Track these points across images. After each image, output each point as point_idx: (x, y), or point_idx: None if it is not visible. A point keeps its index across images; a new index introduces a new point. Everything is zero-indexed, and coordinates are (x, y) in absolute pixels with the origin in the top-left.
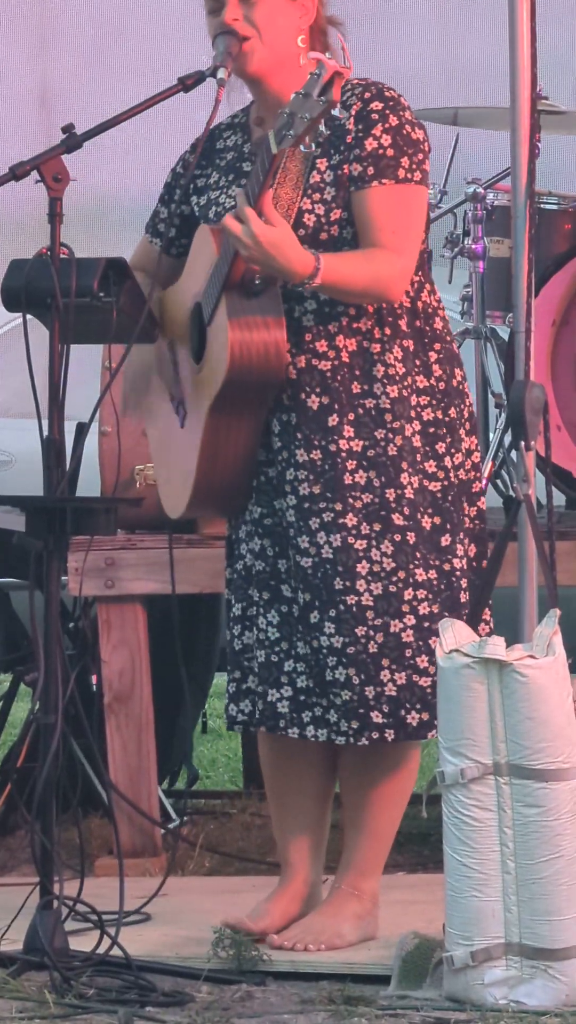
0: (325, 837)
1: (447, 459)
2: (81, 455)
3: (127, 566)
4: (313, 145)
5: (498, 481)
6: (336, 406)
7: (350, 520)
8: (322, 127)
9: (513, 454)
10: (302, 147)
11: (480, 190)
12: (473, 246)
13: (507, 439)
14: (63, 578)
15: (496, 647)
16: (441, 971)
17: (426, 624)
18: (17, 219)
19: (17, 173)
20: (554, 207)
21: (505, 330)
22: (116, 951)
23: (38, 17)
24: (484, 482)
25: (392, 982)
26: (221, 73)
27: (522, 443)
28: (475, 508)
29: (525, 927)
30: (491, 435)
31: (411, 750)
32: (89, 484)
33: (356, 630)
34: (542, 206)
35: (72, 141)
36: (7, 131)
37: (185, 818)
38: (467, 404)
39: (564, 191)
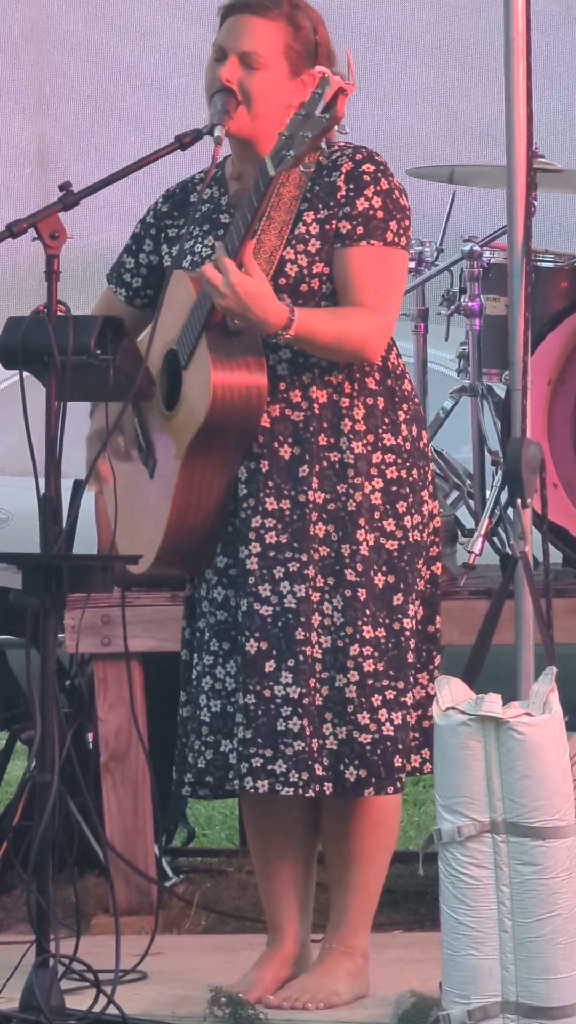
0: (311, 896)
1: (407, 518)
2: (78, 512)
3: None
4: (312, 166)
5: (495, 538)
6: (307, 457)
7: (311, 572)
8: (323, 145)
9: (510, 512)
10: (302, 167)
11: (476, 248)
12: (470, 304)
13: (503, 497)
14: (59, 636)
15: (493, 704)
16: None
17: (370, 681)
18: (14, 277)
19: (14, 231)
20: (550, 265)
21: (502, 388)
22: (112, 1010)
23: (35, 76)
24: (480, 543)
25: None
26: (218, 131)
27: (519, 500)
28: (430, 571)
29: (522, 985)
30: (487, 492)
31: (390, 805)
32: (86, 541)
33: (309, 681)
34: (538, 264)
35: (69, 199)
36: (4, 189)
37: (181, 876)
38: (430, 468)
39: (560, 249)
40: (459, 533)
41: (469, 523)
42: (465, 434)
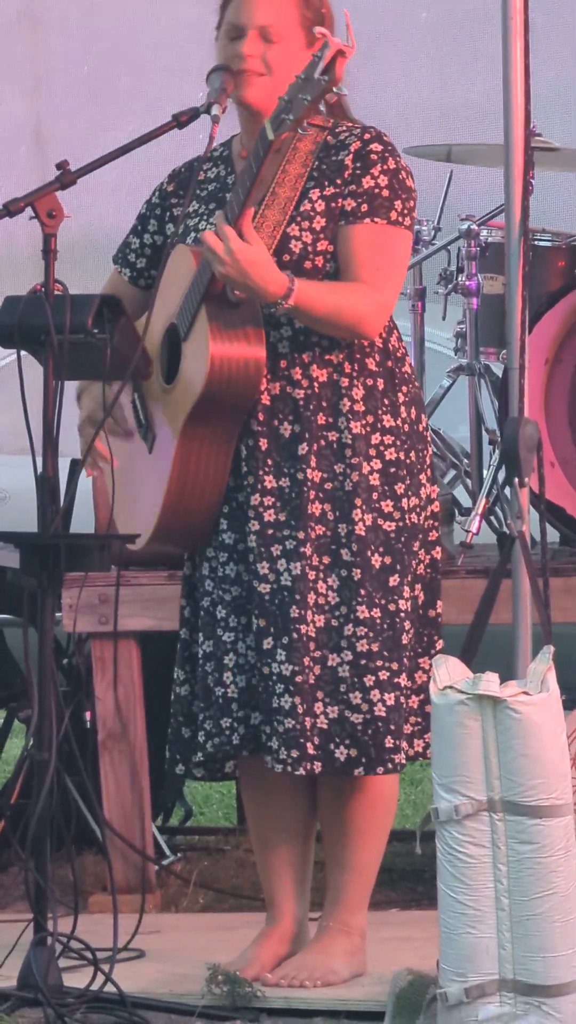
0: (309, 874)
1: (404, 500)
2: (75, 492)
3: (121, 602)
4: (311, 130)
5: (492, 518)
6: (306, 435)
7: (307, 550)
8: (322, 107)
9: (507, 491)
10: (300, 130)
11: (474, 227)
12: (467, 283)
13: (501, 476)
14: (57, 615)
15: (490, 683)
16: (435, 1007)
17: (363, 661)
18: (11, 256)
19: (11, 209)
20: (548, 244)
21: (499, 367)
22: (110, 987)
23: (32, 54)
24: (477, 522)
25: (386, 1018)
26: (215, 109)
27: (516, 480)
28: (429, 556)
29: (519, 963)
30: (485, 472)
31: (387, 783)
32: (83, 521)
33: (303, 659)
34: (536, 243)
35: (66, 178)
36: (2, 171)
37: (179, 854)
38: (428, 451)
39: (558, 228)
40: (456, 512)
41: (466, 502)
42: (462, 413)
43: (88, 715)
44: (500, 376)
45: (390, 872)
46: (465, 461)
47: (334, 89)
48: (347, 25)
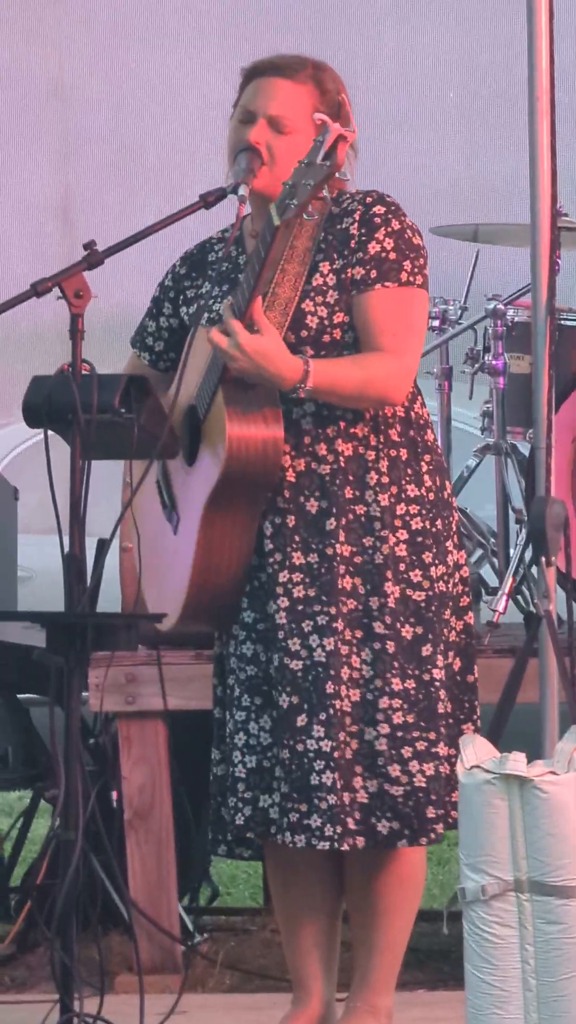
0: (336, 955)
1: (432, 569)
2: (102, 571)
3: (148, 682)
4: (316, 215)
5: (519, 597)
6: (333, 510)
7: (340, 625)
8: (325, 193)
9: (534, 570)
10: (304, 215)
11: (500, 306)
12: (494, 362)
13: (528, 555)
14: (83, 694)
15: (517, 763)
16: None
17: (399, 733)
18: (39, 335)
19: (39, 289)
20: (574, 324)
21: (526, 446)
22: None
23: (60, 131)
24: (504, 601)
25: None
26: (242, 190)
27: (543, 559)
28: (462, 622)
29: None
30: (511, 550)
31: (415, 862)
32: (110, 600)
33: (340, 735)
34: (562, 322)
35: (94, 258)
36: (29, 247)
37: (205, 935)
38: (454, 517)
39: None
40: (483, 591)
41: (493, 581)
42: (489, 492)
43: (115, 795)
44: (527, 455)
45: (417, 952)
46: (492, 540)
47: (336, 174)
48: (347, 110)
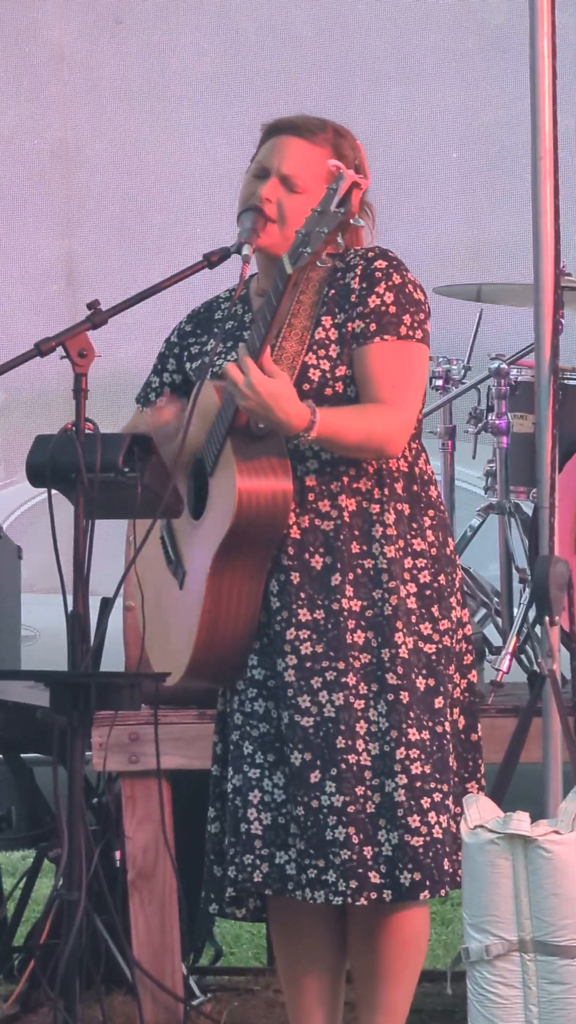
0: (340, 1014)
1: (439, 623)
2: (105, 630)
3: (151, 741)
4: (329, 261)
5: (522, 656)
6: (338, 565)
7: (351, 679)
8: (340, 239)
9: (537, 629)
10: (318, 263)
11: (504, 366)
12: (497, 421)
13: (531, 614)
14: (87, 753)
15: (521, 823)
16: None
17: (418, 784)
18: (42, 394)
19: (43, 349)
20: None
21: (529, 505)
22: None
23: (64, 193)
24: (508, 660)
25: None
26: (246, 249)
27: (546, 618)
28: (466, 680)
29: None
30: (515, 610)
31: (419, 923)
32: (113, 659)
33: (356, 789)
34: (566, 382)
35: (97, 317)
36: (32, 305)
37: (208, 995)
38: (458, 574)
39: None
40: (486, 651)
41: (497, 641)
42: (492, 552)
43: (118, 854)
44: (530, 515)
45: (421, 1013)
46: (495, 600)
47: (351, 221)
48: (362, 159)
